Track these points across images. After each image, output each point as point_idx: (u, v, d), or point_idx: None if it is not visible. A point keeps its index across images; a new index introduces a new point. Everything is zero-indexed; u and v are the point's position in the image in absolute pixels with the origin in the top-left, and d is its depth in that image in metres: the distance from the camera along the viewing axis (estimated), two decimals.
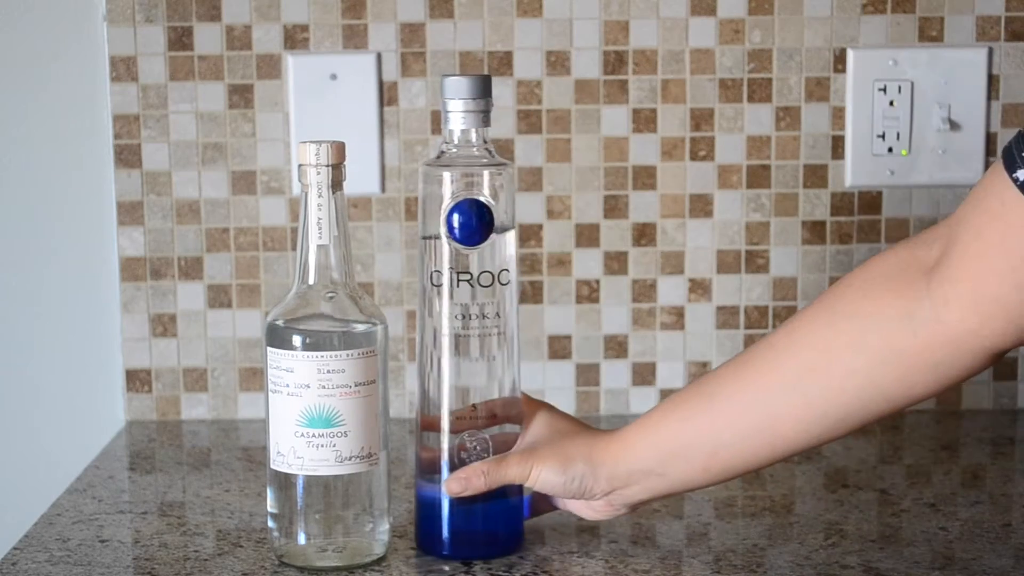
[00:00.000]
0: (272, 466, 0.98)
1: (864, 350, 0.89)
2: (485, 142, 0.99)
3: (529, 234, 1.37)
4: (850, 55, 1.35)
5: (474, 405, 0.99)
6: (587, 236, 1.37)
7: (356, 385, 0.96)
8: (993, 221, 0.83)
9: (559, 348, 1.38)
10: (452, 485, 0.98)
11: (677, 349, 1.38)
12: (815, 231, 1.37)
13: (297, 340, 0.96)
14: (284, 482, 0.98)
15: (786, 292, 1.37)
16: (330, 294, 0.98)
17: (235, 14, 1.34)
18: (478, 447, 0.99)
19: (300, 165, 0.97)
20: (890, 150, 1.35)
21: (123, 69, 1.34)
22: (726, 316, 1.38)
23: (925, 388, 0.89)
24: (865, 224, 1.37)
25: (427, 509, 1.01)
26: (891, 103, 1.35)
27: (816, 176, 1.36)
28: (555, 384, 1.38)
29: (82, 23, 1.35)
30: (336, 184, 0.97)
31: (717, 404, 0.95)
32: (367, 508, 0.99)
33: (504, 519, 1.01)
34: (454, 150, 0.99)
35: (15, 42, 1.35)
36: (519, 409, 1.01)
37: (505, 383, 1.00)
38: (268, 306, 1.36)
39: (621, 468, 0.97)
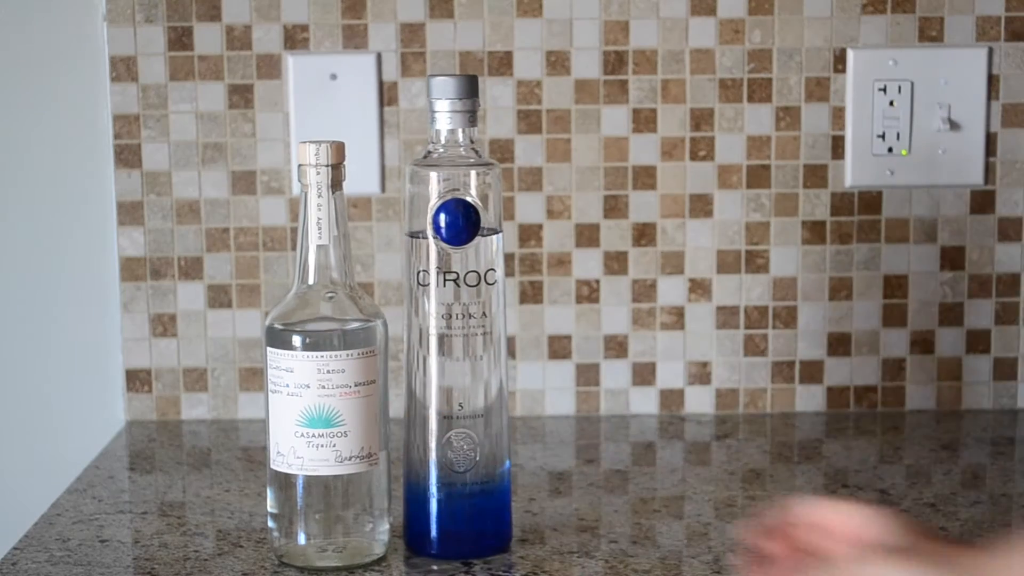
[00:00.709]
0: (272, 466, 0.98)
1: None
2: (472, 142, 0.99)
3: (529, 234, 1.37)
4: (850, 55, 1.35)
5: (460, 404, 0.99)
6: (587, 236, 1.37)
7: (356, 385, 0.96)
8: None
9: (559, 348, 1.38)
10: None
11: (677, 349, 1.38)
12: (815, 231, 1.37)
13: (297, 340, 0.96)
14: (284, 482, 0.98)
15: (786, 292, 1.37)
16: (330, 294, 0.98)
17: (235, 14, 1.34)
18: (465, 446, 0.99)
19: (300, 165, 0.97)
20: (890, 150, 1.35)
21: (123, 69, 1.34)
22: (726, 316, 1.38)
23: None
24: (865, 224, 1.37)
25: (415, 508, 1.01)
26: (891, 103, 1.35)
27: (816, 176, 1.36)
28: (555, 384, 1.38)
29: (82, 23, 1.35)
30: (336, 184, 0.97)
31: None
32: (367, 508, 0.99)
33: (492, 517, 1.01)
34: (441, 150, 0.99)
35: (15, 42, 1.35)
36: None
37: (491, 384, 1.00)
38: (268, 306, 1.36)
39: None
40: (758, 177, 1.36)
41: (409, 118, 1.35)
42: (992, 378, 1.39)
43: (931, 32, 1.35)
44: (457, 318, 0.98)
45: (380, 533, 1.00)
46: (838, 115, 1.36)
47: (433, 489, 0.99)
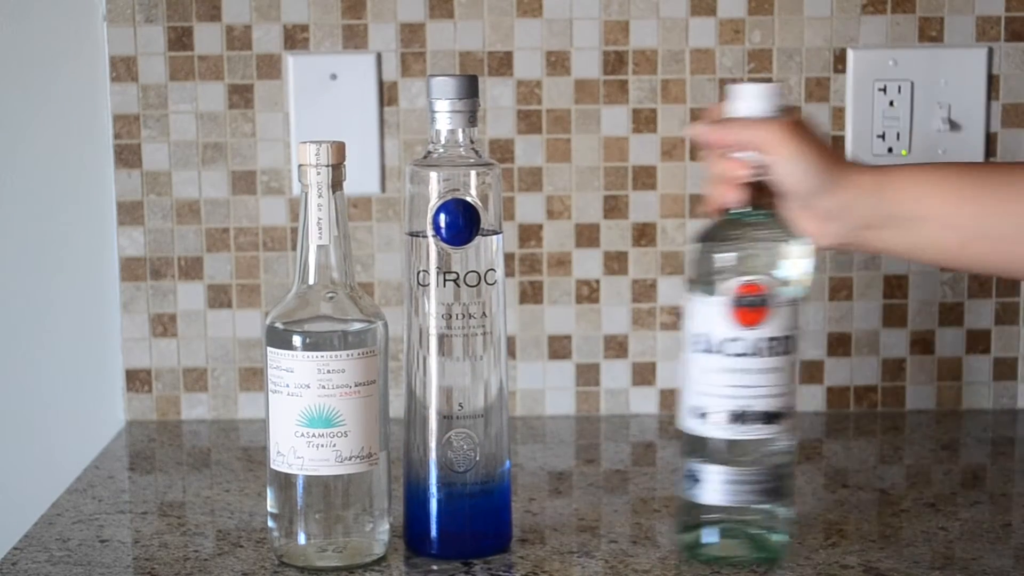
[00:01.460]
0: (272, 466, 0.98)
1: None
2: (472, 142, 0.99)
3: (529, 234, 1.37)
4: (850, 55, 1.35)
5: (460, 404, 0.99)
6: (587, 236, 1.37)
7: (356, 385, 0.96)
8: None
9: (559, 348, 1.38)
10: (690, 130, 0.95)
11: (677, 349, 1.38)
12: None
13: (297, 340, 0.96)
14: (284, 482, 0.98)
15: None
16: (330, 294, 0.98)
17: (235, 14, 1.34)
18: (465, 446, 0.99)
19: (300, 165, 0.97)
20: (890, 150, 1.35)
21: (123, 69, 1.34)
22: None
23: None
24: None
25: (415, 508, 1.01)
26: (891, 103, 1.35)
27: None
28: (555, 384, 1.38)
29: (82, 23, 1.35)
30: (336, 184, 0.97)
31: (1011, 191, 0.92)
32: (367, 508, 0.99)
33: (492, 517, 1.01)
34: (441, 150, 0.99)
35: (15, 42, 1.35)
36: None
37: (491, 384, 1.00)
38: (268, 306, 1.36)
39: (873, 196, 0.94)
40: None
41: (409, 118, 1.35)
42: (992, 378, 1.39)
43: (931, 32, 1.35)
44: (457, 318, 0.98)
45: (380, 533, 1.00)
46: (838, 115, 1.36)
47: (433, 489, 0.99)
